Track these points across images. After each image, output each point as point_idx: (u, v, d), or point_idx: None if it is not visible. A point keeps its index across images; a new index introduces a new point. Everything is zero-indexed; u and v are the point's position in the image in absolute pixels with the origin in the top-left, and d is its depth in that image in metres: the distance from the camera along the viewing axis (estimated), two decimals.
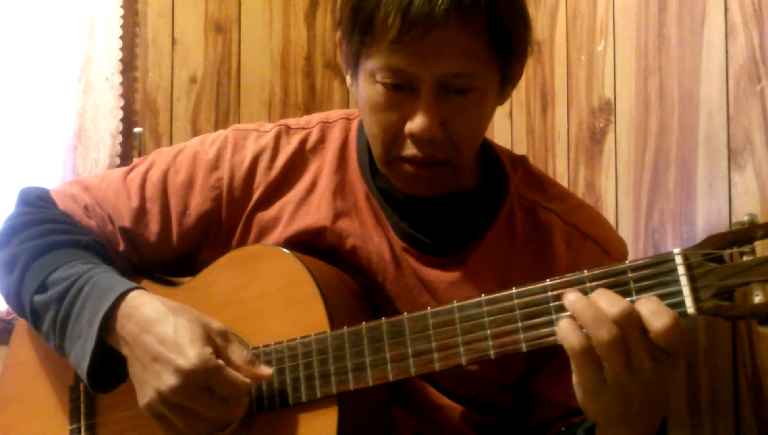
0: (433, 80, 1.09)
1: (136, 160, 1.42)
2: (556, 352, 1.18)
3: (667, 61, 1.49)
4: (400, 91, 1.11)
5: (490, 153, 1.28)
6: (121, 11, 2.51)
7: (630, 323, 0.90)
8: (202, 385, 1.07)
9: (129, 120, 2.53)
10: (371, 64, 1.11)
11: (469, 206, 1.24)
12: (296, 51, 2.69)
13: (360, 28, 1.10)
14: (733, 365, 1.30)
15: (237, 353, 1.11)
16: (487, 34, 1.08)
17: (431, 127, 1.10)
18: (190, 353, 1.07)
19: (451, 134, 1.12)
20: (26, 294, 1.23)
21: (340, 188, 1.26)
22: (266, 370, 1.12)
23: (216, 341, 1.10)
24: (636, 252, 1.55)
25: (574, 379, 0.94)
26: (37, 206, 1.33)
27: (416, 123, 1.10)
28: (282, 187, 1.28)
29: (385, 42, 1.07)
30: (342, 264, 1.24)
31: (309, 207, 1.26)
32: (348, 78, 1.19)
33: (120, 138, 2.49)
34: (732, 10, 1.31)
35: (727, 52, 1.32)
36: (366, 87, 1.14)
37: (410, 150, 1.13)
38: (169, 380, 1.07)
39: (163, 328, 1.10)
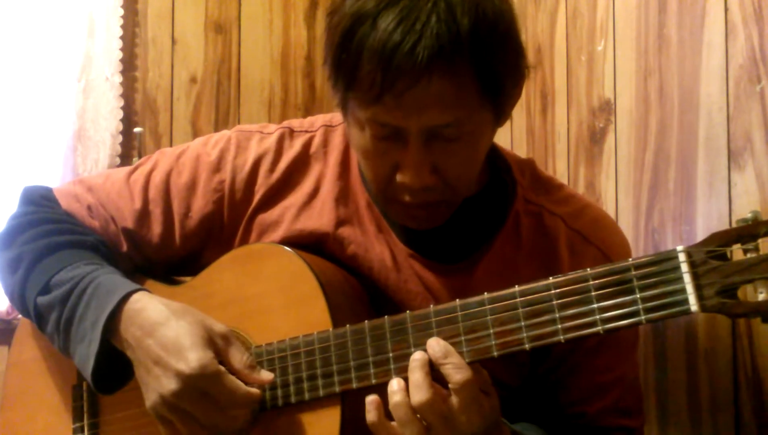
0: (420, 132, 1.06)
1: (136, 160, 1.42)
2: (560, 360, 1.20)
3: (667, 61, 1.49)
4: (389, 140, 1.08)
5: (496, 156, 1.25)
6: (121, 11, 2.51)
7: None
8: (202, 389, 1.08)
9: (129, 120, 2.54)
10: (358, 114, 1.08)
11: (476, 212, 1.22)
12: (296, 51, 2.69)
13: (343, 82, 1.07)
14: (733, 365, 1.31)
15: (237, 358, 1.11)
16: (475, 81, 1.03)
17: (421, 177, 1.08)
18: (191, 357, 1.07)
19: (444, 177, 1.10)
20: (30, 295, 1.23)
21: (343, 196, 1.25)
22: (266, 375, 1.12)
23: (218, 344, 1.11)
24: (636, 252, 1.55)
25: None
26: (41, 205, 1.32)
27: (406, 175, 1.08)
28: (284, 190, 1.27)
29: (368, 98, 1.04)
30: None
31: (311, 212, 1.25)
32: (339, 111, 1.16)
33: (120, 138, 2.50)
34: (732, 10, 1.31)
35: (727, 52, 1.32)
36: (355, 132, 1.12)
37: (404, 196, 1.11)
38: (169, 384, 1.07)
39: (165, 331, 1.10)
